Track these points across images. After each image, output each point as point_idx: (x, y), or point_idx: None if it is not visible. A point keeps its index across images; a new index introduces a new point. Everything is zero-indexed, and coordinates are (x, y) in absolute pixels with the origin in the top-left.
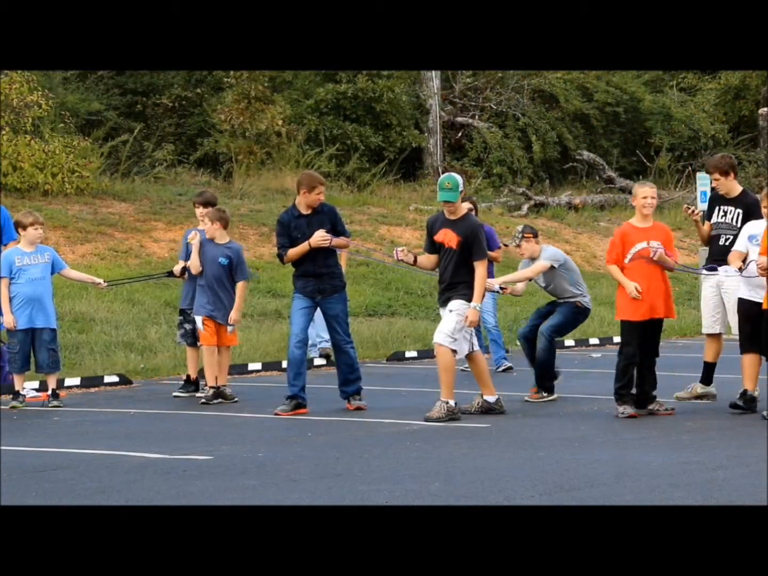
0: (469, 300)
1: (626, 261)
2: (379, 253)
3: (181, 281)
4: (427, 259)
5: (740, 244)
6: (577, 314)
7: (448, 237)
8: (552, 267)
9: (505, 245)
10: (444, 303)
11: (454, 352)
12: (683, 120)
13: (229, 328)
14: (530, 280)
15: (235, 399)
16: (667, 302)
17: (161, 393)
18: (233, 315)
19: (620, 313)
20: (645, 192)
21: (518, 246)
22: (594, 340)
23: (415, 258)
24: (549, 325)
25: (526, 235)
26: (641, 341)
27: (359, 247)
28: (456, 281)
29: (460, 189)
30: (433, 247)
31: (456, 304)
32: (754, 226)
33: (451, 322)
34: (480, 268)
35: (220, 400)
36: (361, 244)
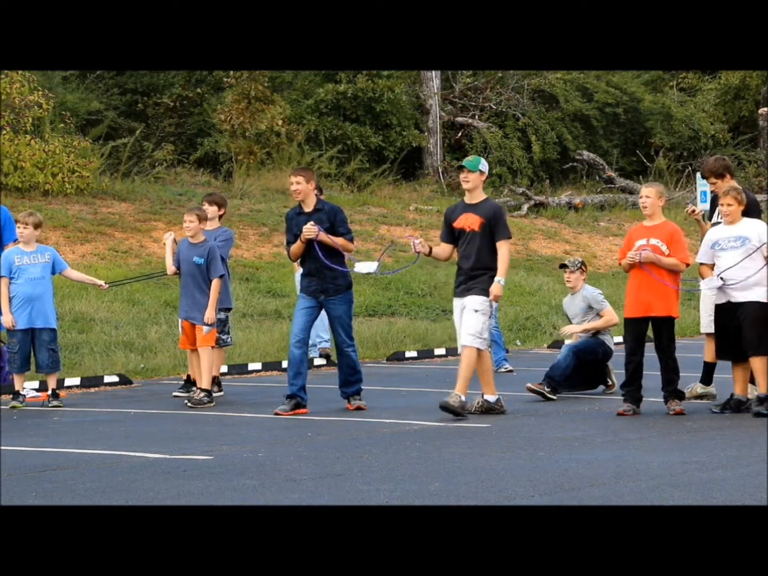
0: (489, 294)
1: None
2: (379, 253)
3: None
4: (442, 250)
5: (704, 255)
6: (599, 345)
7: (469, 220)
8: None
9: (563, 266)
10: (462, 293)
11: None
12: (683, 120)
13: (205, 329)
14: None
15: (211, 403)
16: (665, 301)
17: (161, 393)
18: (207, 314)
19: None
20: (641, 192)
21: (572, 272)
22: None
23: (431, 249)
24: (575, 344)
25: (583, 267)
26: (656, 341)
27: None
28: (479, 267)
29: (481, 167)
30: (450, 236)
31: (478, 302)
32: (716, 232)
33: (478, 323)
34: (504, 247)
35: (207, 399)
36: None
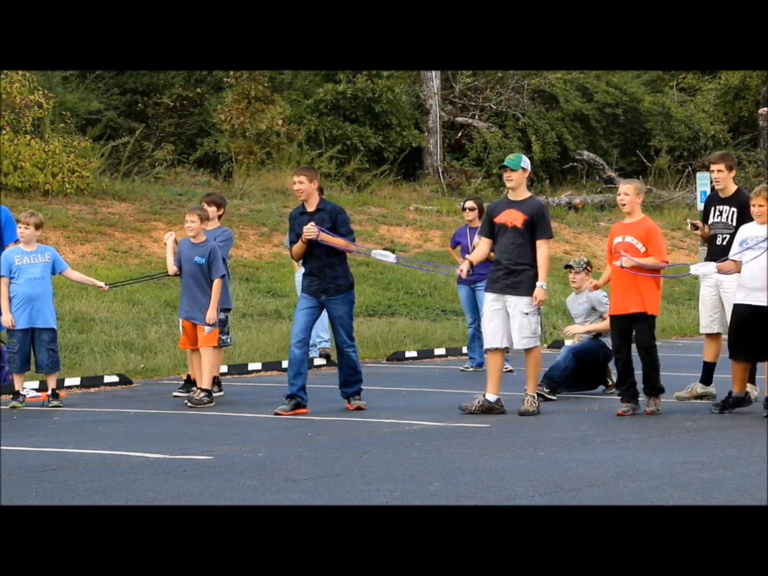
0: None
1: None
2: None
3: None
4: (482, 251)
5: (734, 253)
6: (599, 347)
7: (512, 216)
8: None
9: (568, 266)
10: (503, 290)
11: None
12: (683, 120)
13: (206, 329)
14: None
15: (211, 404)
16: (643, 297)
17: (161, 393)
18: (209, 314)
19: None
20: (620, 189)
21: (578, 273)
22: None
23: (471, 263)
24: (576, 345)
25: (589, 268)
26: (635, 338)
27: (361, 247)
28: (520, 262)
29: (523, 164)
30: (491, 230)
31: (526, 304)
32: (747, 230)
33: (531, 323)
34: (544, 247)
35: (206, 400)
36: (362, 244)
